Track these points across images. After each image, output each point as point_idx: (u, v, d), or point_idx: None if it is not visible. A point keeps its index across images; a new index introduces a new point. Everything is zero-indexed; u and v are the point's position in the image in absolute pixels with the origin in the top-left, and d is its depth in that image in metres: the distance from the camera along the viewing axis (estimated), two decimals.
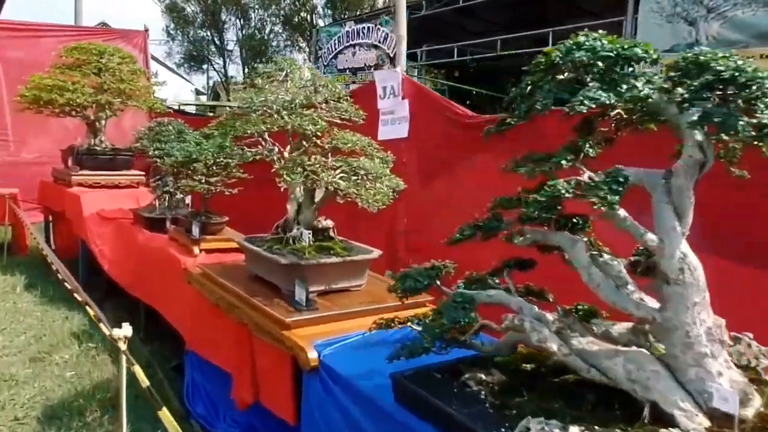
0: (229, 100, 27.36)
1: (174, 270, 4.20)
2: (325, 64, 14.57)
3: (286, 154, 3.10)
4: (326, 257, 2.87)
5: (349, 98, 3.11)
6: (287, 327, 2.55)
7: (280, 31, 27.36)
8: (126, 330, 2.66)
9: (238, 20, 27.38)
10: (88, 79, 6.92)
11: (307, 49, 26.24)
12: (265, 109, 3.01)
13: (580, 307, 1.89)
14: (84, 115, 6.99)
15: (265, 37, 27.57)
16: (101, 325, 3.13)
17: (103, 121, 7.13)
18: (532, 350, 1.89)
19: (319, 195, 3.01)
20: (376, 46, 12.93)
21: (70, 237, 7.13)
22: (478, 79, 14.76)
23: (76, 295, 4.13)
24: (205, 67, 29.34)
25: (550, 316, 1.72)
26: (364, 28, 13.32)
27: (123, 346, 2.64)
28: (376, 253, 3.05)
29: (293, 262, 2.78)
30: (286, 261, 2.78)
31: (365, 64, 13.37)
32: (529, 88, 1.64)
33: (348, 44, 13.78)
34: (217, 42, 28.24)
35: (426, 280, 1.89)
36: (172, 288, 4.21)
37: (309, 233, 2.92)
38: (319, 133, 2.92)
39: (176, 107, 13.18)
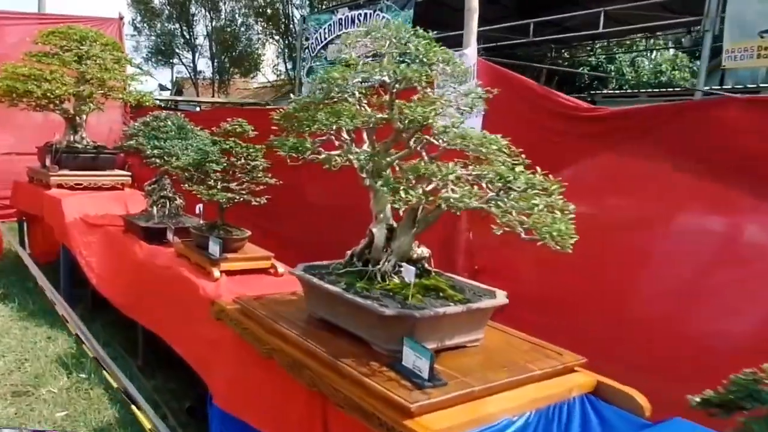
0: (197, 95, 25.95)
1: (190, 296, 3.27)
2: (313, 54, 13.11)
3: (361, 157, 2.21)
4: (443, 305, 1.99)
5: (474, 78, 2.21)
6: (409, 414, 1.67)
7: (253, 23, 25.93)
8: None
9: (208, 12, 25.86)
10: (68, 68, 5.84)
11: (282, 42, 24.92)
12: (343, 94, 2.12)
13: None
14: (63, 109, 5.92)
15: (237, 30, 26.13)
16: None
17: (84, 116, 6.05)
18: None
19: (421, 214, 2.12)
20: None
21: (47, 240, 6.08)
22: None
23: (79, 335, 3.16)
24: (174, 61, 27.77)
25: None
26: (360, 14, 11.84)
27: None
28: (502, 295, 2.18)
29: (403, 313, 1.89)
30: (391, 312, 1.89)
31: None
32: None
33: (340, 32, 12.34)
34: (186, 35, 26.70)
35: None
36: (188, 319, 3.28)
37: (414, 270, 2.04)
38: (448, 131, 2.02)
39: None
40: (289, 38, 23.69)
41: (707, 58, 9.18)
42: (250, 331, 2.44)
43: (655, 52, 19.80)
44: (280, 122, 2.29)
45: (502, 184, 1.84)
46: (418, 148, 2.19)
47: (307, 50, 13.39)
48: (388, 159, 2.11)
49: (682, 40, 15.89)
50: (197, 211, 3.89)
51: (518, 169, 1.89)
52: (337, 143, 2.30)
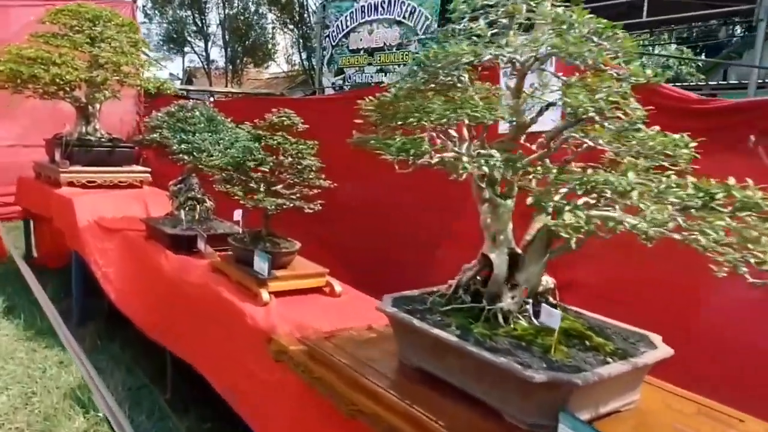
0: (210, 84, 25.45)
1: (232, 323, 2.77)
2: (334, 44, 12.49)
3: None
4: (596, 359, 1.48)
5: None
6: None
7: (266, 11, 25.40)
8: None
9: (220, 0, 25.40)
10: (80, 51, 5.35)
11: (296, 31, 24.34)
12: (452, 78, 1.62)
13: None
14: (74, 97, 5.43)
15: (250, 19, 25.59)
16: None
17: (98, 105, 5.56)
18: None
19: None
20: (399, 22, 10.94)
21: (57, 242, 5.59)
22: None
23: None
24: (186, 50, 27.32)
25: None
26: (383, 1, 11.32)
27: None
28: (658, 339, 1.67)
29: (559, 380, 1.39)
30: (542, 378, 1.38)
31: (385, 43, 11.38)
32: None
33: (363, 20, 11.71)
34: (199, 23, 26.21)
35: None
36: (230, 351, 2.78)
37: (559, 314, 1.53)
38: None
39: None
40: (304, 27, 23.12)
41: (761, 46, 8.71)
42: (324, 382, 1.95)
43: (658, 46, 19.27)
44: (371, 114, 1.78)
45: (702, 202, 1.33)
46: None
47: (327, 39, 12.81)
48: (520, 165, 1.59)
49: (720, 31, 15.30)
50: (236, 218, 3.38)
51: (730, 181, 1.36)
52: (438, 141, 1.79)
